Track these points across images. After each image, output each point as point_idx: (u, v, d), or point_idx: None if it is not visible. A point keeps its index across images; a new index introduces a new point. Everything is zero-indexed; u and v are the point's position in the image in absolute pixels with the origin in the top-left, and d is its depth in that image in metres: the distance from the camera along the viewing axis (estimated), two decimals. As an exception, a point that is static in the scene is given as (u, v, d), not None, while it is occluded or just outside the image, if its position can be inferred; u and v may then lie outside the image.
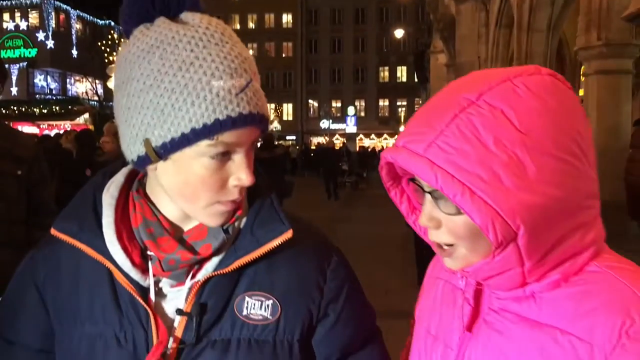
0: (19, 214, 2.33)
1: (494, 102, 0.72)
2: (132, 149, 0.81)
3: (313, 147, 32.16)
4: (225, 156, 0.78)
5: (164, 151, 0.77)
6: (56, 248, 0.89)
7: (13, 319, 0.92)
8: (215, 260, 0.85)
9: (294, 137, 49.40)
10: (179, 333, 0.83)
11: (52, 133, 14.24)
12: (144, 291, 0.84)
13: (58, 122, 23.28)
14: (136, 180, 0.91)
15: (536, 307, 0.76)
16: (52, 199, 2.51)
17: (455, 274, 0.87)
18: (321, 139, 45.45)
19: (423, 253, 4.70)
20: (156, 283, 0.85)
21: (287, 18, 52.64)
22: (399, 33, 28.54)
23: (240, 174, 0.79)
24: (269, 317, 0.85)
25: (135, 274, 0.83)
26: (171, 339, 0.83)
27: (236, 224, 0.87)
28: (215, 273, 0.84)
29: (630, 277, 0.74)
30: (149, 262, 0.85)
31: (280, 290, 0.87)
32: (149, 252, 0.85)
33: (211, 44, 0.77)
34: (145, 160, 0.80)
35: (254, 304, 0.85)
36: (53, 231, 0.87)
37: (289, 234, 0.84)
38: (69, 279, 0.88)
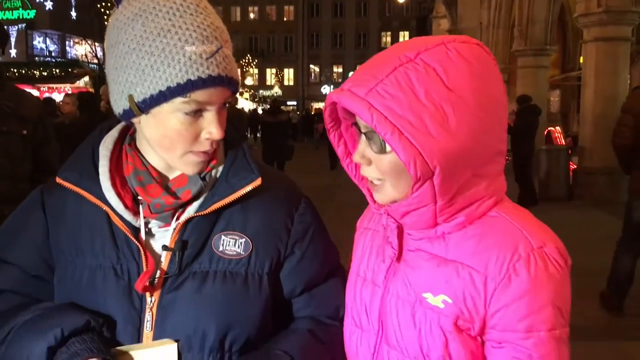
0: (24, 172, 2.46)
1: (429, 61, 0.84)
2: (118, 104, 0.95)
3: (313, 113, 32.03)
4: (197, 113, 0.93)
5: (145, 106, 0.91)
6: (63, 193, 1.02)
7: (13, 240, 1.05)
8: (196, 204, 0.99)
9: (294, 103, 49.19)
10: (164, 266, 0.98)
11: (54, 95, 14.29)
12: (135, 230, 0.98)
13: (58, 85, 23.19)
14: (128, 135, 1.05)
15: (445, 245, 0.91)
16: (56, 158, 2.64)
17: (380, 222, 1.00)
18: (322, 105, 45.19)
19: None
20: (146, 224, 1.00)
21: (289, -20, 51.80)
22: (401, -3, 28.13)
23: (211, 128, 0.93)
24: (241, 252, 1.00)
25: (128, 216, 0.98)
26: (158, 271, 0.98)
27: (213, 172, 1.01)
28: (196, 215, 0.98)
29: (521, 221, 0.89)
30: (140, 206, 0.99)
31: (252, 231, 1.01)
32: (139, 198, 0.99)
33: (187, 14, 0.91)
34: (129, 113, 0.94)
35: (229, 242, 1.00)
36: (57, 179, 1.01)
37: (258, 182, 0.99)
38: (73, 218, 1.02)
